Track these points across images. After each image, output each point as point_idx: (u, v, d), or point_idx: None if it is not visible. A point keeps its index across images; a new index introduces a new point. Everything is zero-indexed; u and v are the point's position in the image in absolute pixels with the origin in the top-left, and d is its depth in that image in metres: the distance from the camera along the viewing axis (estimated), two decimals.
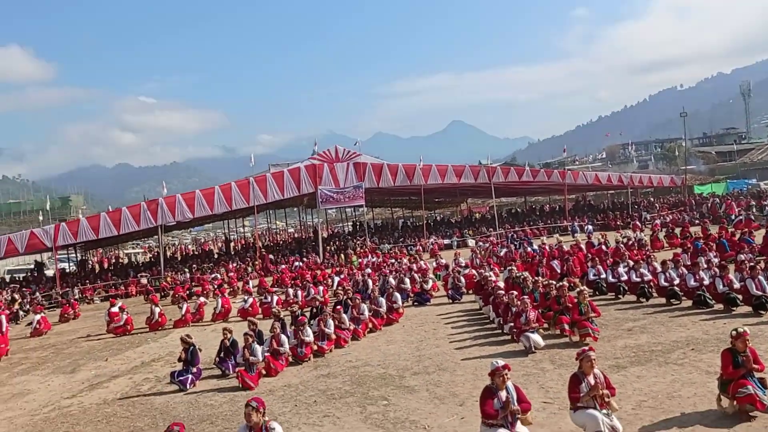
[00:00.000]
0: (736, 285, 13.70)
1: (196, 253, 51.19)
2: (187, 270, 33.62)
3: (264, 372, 11.95)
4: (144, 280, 32.02)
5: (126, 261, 49.12)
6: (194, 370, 12.07)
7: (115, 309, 20.17)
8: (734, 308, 13.39)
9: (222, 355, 12.69)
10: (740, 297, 13.40)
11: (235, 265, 34.69)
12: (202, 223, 57.38)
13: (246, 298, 20.72)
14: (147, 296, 26.07)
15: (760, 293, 12.91)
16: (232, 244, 49.23)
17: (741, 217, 32.55)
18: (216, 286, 26.16)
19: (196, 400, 10.97)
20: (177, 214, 33.34)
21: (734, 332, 7.64)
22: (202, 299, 21.55)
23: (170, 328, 19.40)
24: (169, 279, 31.57)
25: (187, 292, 26.40)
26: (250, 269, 33.37)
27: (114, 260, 50.12)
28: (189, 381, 11.78)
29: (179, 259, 43.78)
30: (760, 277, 13.19)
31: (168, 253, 47.75)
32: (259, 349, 12.01)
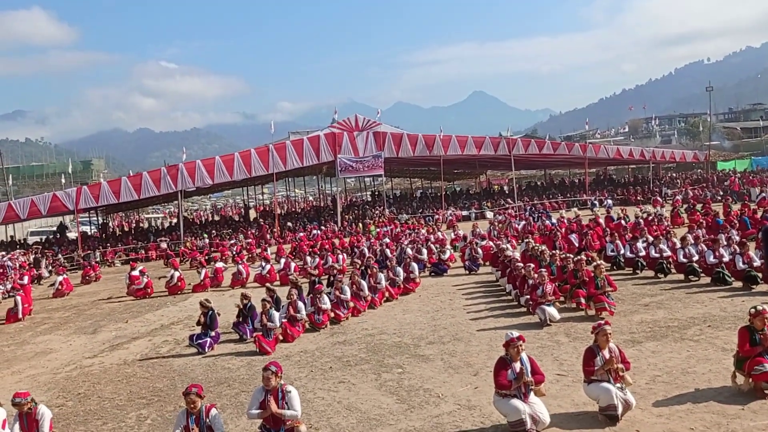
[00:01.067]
0: (757, 263, 13.54)
1: (216, 219, 51.62)
2: (206, 236, 33.97)
3: (281, 338, 12.12)
4: (164, 245, 32.43)
5: (146, 225, 49.73)
6: (213, 333, 12.27)
7: (136, 272, 20.51)
8: (754, 286, 13.26)
9: (240, 319, 12.88)
10: (760, 275, 13.25)
11: (253, 231, 34.99)
12: (221, 189, 57.77)
13: (264, 264, 20.93)
14: (167, 260, 26.43)
15: None
16: (251, 210, 49.56)
17: (764, 194, 32.07)
18: (235, 252, 26.44)
19: (213, 363, 11.18)
20: (197, 180, 33.61)
21: (753, 310, 7.58)
22: (220, 264, 21.81)
23: (189, 293, 19.71)
24: (188, 244, 31.94)
25: (206, 257, 26.73)
26: (268, 236, 33.63)
27: (134, 224, 50.78)
28: (207, 344, 12.00)
29: (199, 224, 44.22)
30: None
31: (188, 218, 48.23)
32: (276, 315, 12.17)
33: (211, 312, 12.40)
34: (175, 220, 47.04)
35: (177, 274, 20.12)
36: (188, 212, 64.69)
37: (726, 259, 14.22)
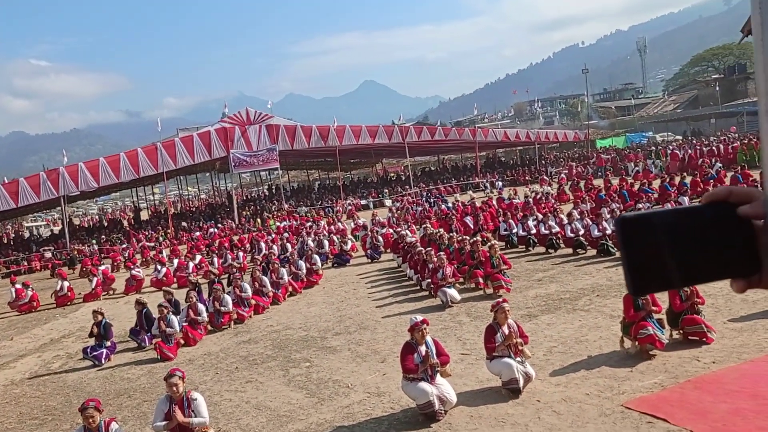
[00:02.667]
0: None
1: (105, 223, 49.04)
2: (94, 241, 32.22)
3: (182, 342, 11.74)
4: (48, 254, 30.44)
5: (27, 234, 46.44)
6: (108, 344, 11.68)
7: (20, 285, 19.11)
8: None
9: (137, 327, 12.35)
10: None
11: (146, 234, 33.55)
12: (108, 192, 54.88)
13: (158, 268, 20.14)
14: (53, 271, 24.86)
15: None
16: (142, 212, 47.48)
17: (638, 169, 34.45)
18: (127, 257, 25.29)
19: (111, 374, 10.66)
20: (80, 184, 31.70)
21: None
22: (106, 268, 20.77)
23: (80, 303, 18.65)
24: (76, 252, 30.16)
25: (96, 264, 25.37)
26: (162, 238, 32.38)
27: (14, 234, 47.30)
28: (103, 355, 11.41)
29: (86, 230, 41.81)
30: None
31: (74, 224, 45.48)
32: (175, 319, 11.75)
33: (104, 321, 11.79)
34: (59, 227, 44.24)
35: (66, 284, 18.96)
36: (78, 218, 61.17)
37: (609, 231, 15.15)
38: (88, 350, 11.49)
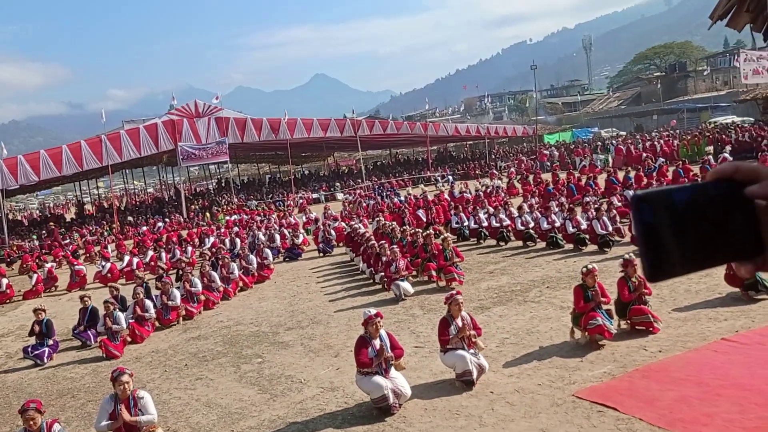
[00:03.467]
0: (584, 225, 14.83)
1: (47, 217, 47.32)
2: (35, 237, 31.03)
3: (129, 339, 11.41)
4: None
5: None
6: (50, 342, 11.26)
7: None
8: (583, 247, 14.52)
9: (81, 324, 11.93)
10: (588, 236, 14.55)
11: (90, 229, 32.52)
12: (50, 186, 53.00)
13: (103, 263, 19.52)
14: None
15: (604, 232, 14.11)
16: (85, 206, 46.04)
17: (584, 163, 35.24)
18: (69, 252, 24.46)
19: (54, 374, 10.28)
20: (20, 177, 30.40)
21: (584, 269, 8.29)
22: (52, 266, 20.03)
23: (20, 300, 17.93)
24: (14, 247, 28.99)
25: (37, 260, 24.44)
26: (107, 233, 31.42)
27: None
28: (46, 354, 10.98)
29: (26, 225, 40.26)
30: (604, 217, 14.38)
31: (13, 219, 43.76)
32: (122, 316, 11.41)
33: (46, 319, 11.36)
34: None
35: (5, 281, 18.19)
36: (17, 213, 58.84)
37: (557, 224, 15.43)
38: (29, 349, 11.06)
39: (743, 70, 44.14)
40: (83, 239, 28.83)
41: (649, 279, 0.87)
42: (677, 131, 44.19)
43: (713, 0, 6.39)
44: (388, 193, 33.10)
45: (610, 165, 31.52)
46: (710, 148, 31.95)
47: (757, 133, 32.24)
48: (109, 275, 18.76)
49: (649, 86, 75.20)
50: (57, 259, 23.49)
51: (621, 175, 23.22)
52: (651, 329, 8.19)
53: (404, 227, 16.87)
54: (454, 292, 7.84)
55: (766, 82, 44.60)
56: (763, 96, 43.05)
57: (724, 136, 33.94)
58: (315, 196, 39.21)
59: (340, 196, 37.89)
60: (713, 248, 0.82)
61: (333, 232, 19.78)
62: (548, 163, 39.91)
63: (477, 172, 42.08)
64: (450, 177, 40.23)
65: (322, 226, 20.13)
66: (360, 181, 42.29)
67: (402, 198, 27.46)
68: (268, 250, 17.05)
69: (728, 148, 29.62)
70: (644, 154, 30.45)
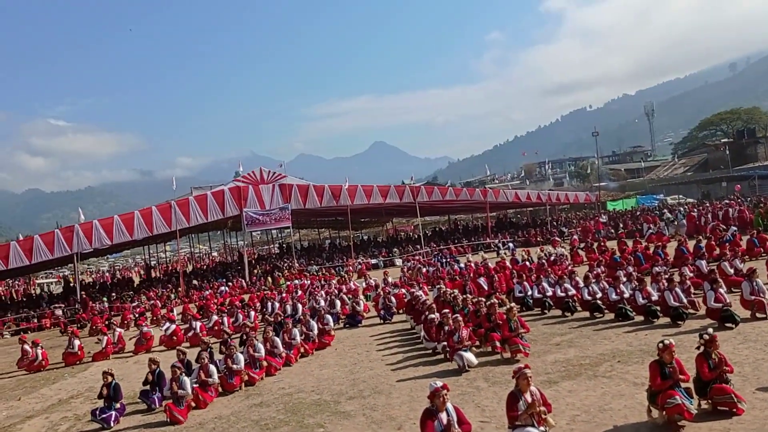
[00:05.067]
0: (654, 297, 14.28)
1: (115, 281, 49.04)
2: (105, 299, 32.09)
3: (193, 404, 11.48)
4: (58, 312, 30.30)
5: (38, 291, 46.39)
6: (117, 405, 11.45)
7: (29, 344, 18.90)
8: (654, 320, 13.94)
9: (148, 387, 12.11)
10: (659, 308, 13.98)
11: (156, 292, 33.44)
12: (120, 249, 55.13)
13: (168, 325, 19.93)
14: (64, 329, 24.65)
15: (677, 304, 13.53)
16: (153, 270, 47.51)
17: (652, 231, 34.20)
18: (137, 315, 25.12)
19: None
20: (94, 241, 31.80)
21: (661, 344, 7.92)
22: (121, 331, 20.55)
23: (89, 362, 18.41)
24: (87, 310, 30.01)
25: (106, 322, 25.19)
26: (173, 296, 32.24)
27: (23, 291, 47.31)
28: (113, 418, 11.16)
29: (97, 287, 41.77)
30: (676, 289, 13.83)
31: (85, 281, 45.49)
32: (187, 381, 11.53)
33: (114, 382, 11.59)
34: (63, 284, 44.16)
35: (77, 342, 18.74)
36: (88, 275, 61.28)
37: (627, 295, 14.92)
38: (97, 412, 11.26)
39: None
40: (150, 302, 29.59)
41: None
42: (748, 198, 42.61)
43: None
44: (448, 259, 32.86)
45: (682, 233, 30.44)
46: None
47: None
48: (174, 338, 19.11)
49: (717, 152, 73.45)
50: (126, 321, 24.11)
51: (691, 244, 22.42)
52: (735, 410, 7.70)
53: (466, 295, 16.63)
54: (522, 365, 7.61)
55: None
56: None
57: None
58: (374, 261, 39.34)
59: (398, 262, 37.89)
60: None
61: (393, 299, 19.67)
62: (602, 231, 38.96)
63: (538, 239, 41.45)
64: (511, 244, 39.72)
65: (382, 293, 20.07)
66: (419, 247, 42.28)
67: (462, 265, 27.21)
68: (328, 316, 17.08)
69: None
70: (713, 222, 29.43)
